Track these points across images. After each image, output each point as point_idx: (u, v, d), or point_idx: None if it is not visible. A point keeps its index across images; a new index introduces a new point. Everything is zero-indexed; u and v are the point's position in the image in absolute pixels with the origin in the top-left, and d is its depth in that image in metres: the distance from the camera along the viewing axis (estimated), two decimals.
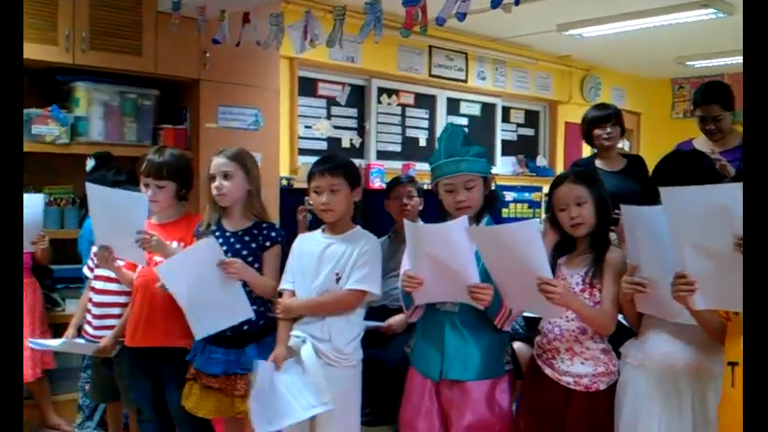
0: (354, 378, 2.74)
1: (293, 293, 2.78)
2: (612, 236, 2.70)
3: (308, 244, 2.81)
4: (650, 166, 2.98)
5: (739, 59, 7.32)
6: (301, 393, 2.64)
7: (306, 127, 5.89)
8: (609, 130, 3.91)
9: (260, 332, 2.83)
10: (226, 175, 2.85)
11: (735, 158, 3.45)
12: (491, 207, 2.63)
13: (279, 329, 2.77)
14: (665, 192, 1.97)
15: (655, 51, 7.18)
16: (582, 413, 2.41)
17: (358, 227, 2.82)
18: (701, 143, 3.85)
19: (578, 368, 2.44)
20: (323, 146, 6.01)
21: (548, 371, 2.49)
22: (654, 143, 8.17)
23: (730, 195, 1.84)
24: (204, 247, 2.74)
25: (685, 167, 2.47)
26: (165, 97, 4.36)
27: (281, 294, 2.81)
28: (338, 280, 2.70)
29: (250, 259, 2.82)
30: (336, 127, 6.12)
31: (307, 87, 5.88)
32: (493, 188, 2.64)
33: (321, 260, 2.73)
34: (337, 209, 2.72)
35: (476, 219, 2.56)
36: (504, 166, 7.42)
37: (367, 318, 2.96)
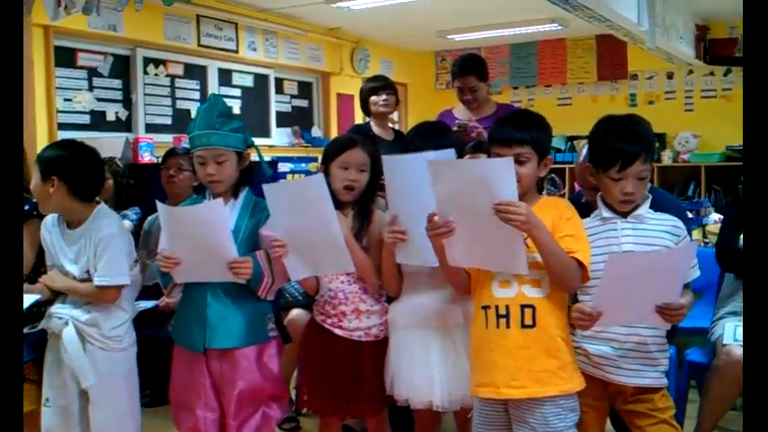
0: (125, 362, 2.63)
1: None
2: (381, 201, 2.83)
3: (56, 238, 2.65)
4: None
5: (494, 33, 7.89)
6: None
7: (65, 100, 5.51)
8: (384, 97, 4.08)
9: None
10: None
11: (490, 125, 3.73)
12: (248, 181, 2.62)
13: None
14: (431, 164, 2.12)
15: (419, 25, 7.51)
16: (374, 360, 2.56)
17: (98, 207, 2.64)
18: (460, 112, 4.11)
19: (366, 322, 2.57)
20: (86, 119, 5.66)
21: (338, 331, 2.58)
22: (420, 112, 8.58)
23: (488, 169, 2.06)
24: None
25: (432, 138, 2.62)
26: None
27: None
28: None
29: None
30: (100, 99, 5.78)
31: (65, 57, 5.49)
32: (255, 160, 2.63)
33: (69, 259, 2.61)
34: (39, 204, 2.61)
35: (233, 192, 2.56)
36: (279, 138, 7.43)
37: (142, 297, 2.88)
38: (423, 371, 2.47)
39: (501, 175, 2.00)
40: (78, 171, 2.57)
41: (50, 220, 2.67)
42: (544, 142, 2.28)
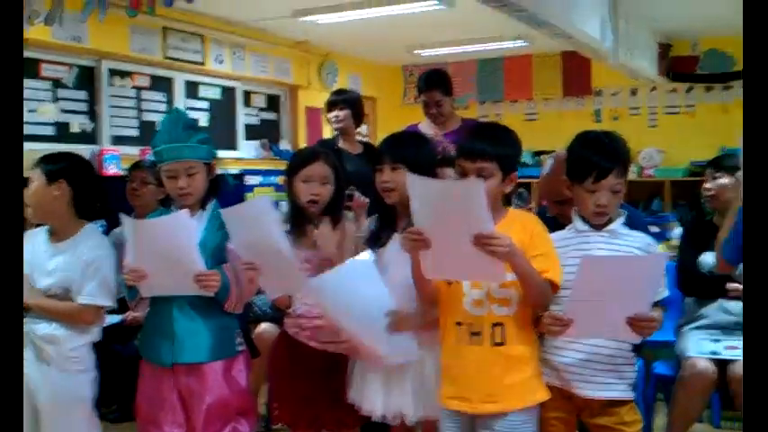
0: (81, 386, 2.61)
1: None
2: (349, 214, 2.83)
3: (36, 249, 2.62)
4: None
5: (462, 48, 7.95)
6: None
7: (29, 111, 5.41)
8: (336, 113, 4.10)
9: None
10: None
11: (456, 140, 3.75)
12: (215, 193, 2.61)
13: None
14: (411, 178, 2.10)
15: (387, 39, 7.54)
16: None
17: (87, 226, 2.68)
18: (426, 126, 4.14)
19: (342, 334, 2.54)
20: (50, 131, 5.57)
21: (313, 343, 2.56)
22: (388, 126, 8.56)
23: (460, 189, 2.06)
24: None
25: (409, 147, 2.60)
26: None
27: None
28: (67, 291, 2.58)
29: None
30: (64, 111, 5.70)
31: (28, 68, 5.38)
32: (219, 173, 2.63)
33: (45, 271, 2.59)
34: (33, 209, 2.60)
35: (201, 205, 2.55)
36: (247, 151, 7.39)
37: (107, 312, 2.83)
38: (363, 377, 2.48)
39: (472, 196, 2.00)
40: (85, 181, 2.65)
41: (37, 230, 2.65)
42: (510, 158, 2.29)
